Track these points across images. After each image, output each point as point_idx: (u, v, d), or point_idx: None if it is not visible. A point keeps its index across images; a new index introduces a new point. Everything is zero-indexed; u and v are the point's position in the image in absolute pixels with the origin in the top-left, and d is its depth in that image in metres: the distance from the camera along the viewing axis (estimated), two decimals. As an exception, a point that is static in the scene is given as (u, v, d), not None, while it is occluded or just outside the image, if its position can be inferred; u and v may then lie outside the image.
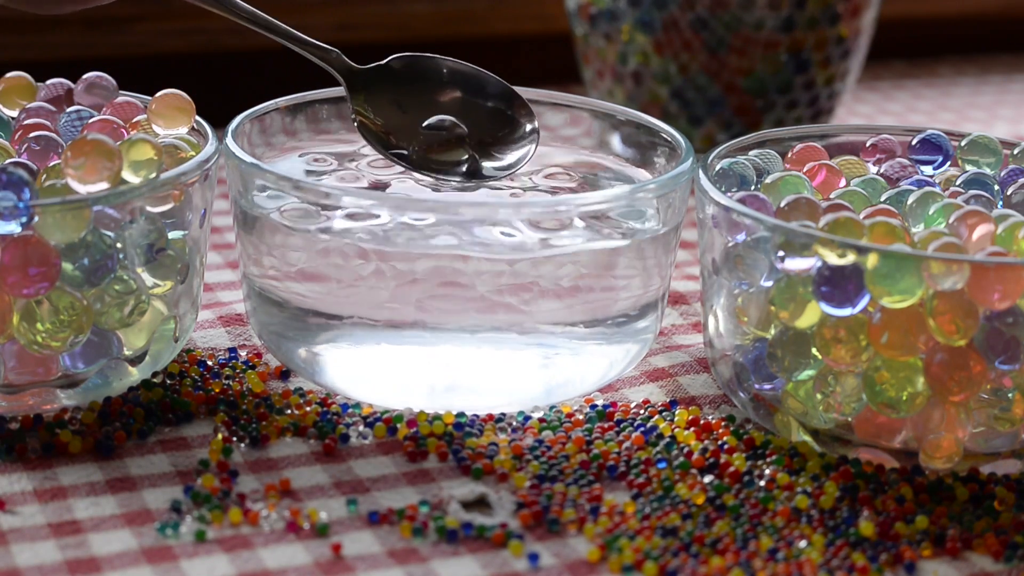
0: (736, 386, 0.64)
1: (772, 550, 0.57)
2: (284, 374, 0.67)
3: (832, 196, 0.64)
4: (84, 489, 0.59)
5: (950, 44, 1.18)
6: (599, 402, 0.66)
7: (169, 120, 0.66)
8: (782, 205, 0.62)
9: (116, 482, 0.59)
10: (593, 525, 0.58)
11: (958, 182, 0.67)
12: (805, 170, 0.67)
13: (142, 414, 0.63)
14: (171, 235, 0.62)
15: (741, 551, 0.57)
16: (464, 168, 0.69)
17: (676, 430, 0.63)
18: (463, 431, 0.63)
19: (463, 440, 0.62)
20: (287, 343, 0.64)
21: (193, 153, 0.64)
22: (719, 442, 0.63)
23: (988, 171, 0.68)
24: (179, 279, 0.63)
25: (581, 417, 0.64)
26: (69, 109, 0.66)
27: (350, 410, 0.64)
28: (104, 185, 0.59)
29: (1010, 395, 0.59)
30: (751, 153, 0.68)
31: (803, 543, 0.57)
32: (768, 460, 0.62)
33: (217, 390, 0.65)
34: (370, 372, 0.64)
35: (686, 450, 0.62)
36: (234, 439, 0.62)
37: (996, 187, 0.67)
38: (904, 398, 0.59)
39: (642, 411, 0.65)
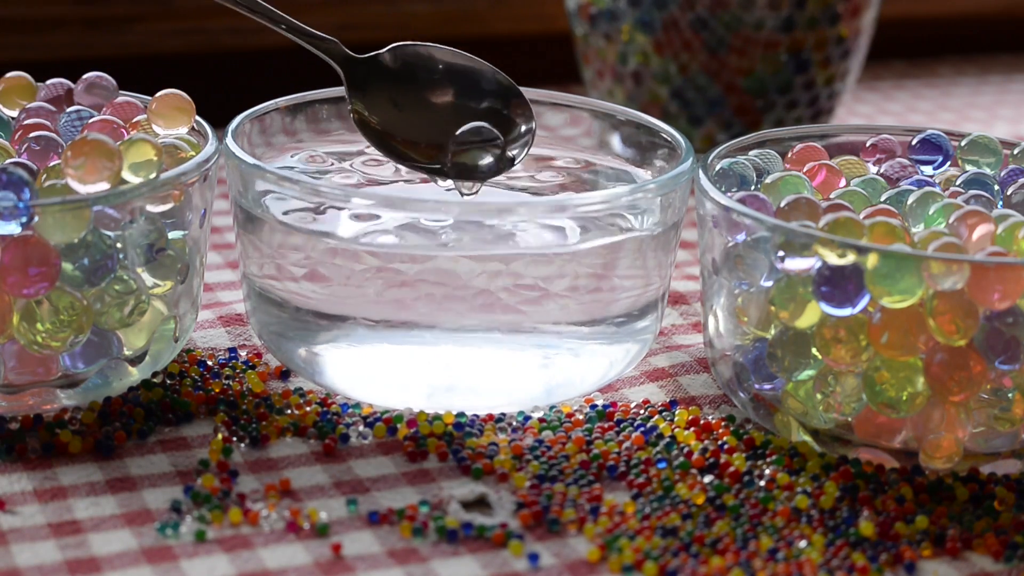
0: (736, 386, 0.64)
1: (772, 550, 0.57)
2: (284, 374, 0.67)
3: (832, 196, 0.64)
4: (84, 489, 0.59)
5: (950, 44, 1.18)
6: (599, 402, 0.66)
7: (169, 120, 0.65)
8: (782, 205, 0.62)
9: (116, 482, 0.59)
10: (593, 525, 0.58)
11: (958, 182, 0.67)
12: (805, 170, 0.67)
13: (142, 414, 0.63)
14: (171, 235, 0.62)
15: (741, 551, 0.57)
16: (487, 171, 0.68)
17: (676, 430, 0.63)
18: (463, 431, 0.63)
19: (463, 440, 0.62)
20: (287, 343, 0.64)
21: (193, 153, 0.64)
22: (719, 442, 0.63)
23: (988, 171, 0.68)
24: (179, 279, 0.63)
25: (581, 417, 0.64)
26: (69, 109, 0.66)
27: (350, 410, 0.64)
28: (104, 185, 0.59)
29: (1010, 395, 0.59)
30: (751, 153, 0.67)
31: (803, 543, 0.57)
32: (768, 460, 0.62)
33: (217, 390, 0.65)
34: (370, 372, 0.64)
35: (686, 450, 0.62)
36: (234, 439, 0.62)
37: (996, 187, 0.66)
38: (904, 398, 0.59)
39: (642, 411, 0.65)
